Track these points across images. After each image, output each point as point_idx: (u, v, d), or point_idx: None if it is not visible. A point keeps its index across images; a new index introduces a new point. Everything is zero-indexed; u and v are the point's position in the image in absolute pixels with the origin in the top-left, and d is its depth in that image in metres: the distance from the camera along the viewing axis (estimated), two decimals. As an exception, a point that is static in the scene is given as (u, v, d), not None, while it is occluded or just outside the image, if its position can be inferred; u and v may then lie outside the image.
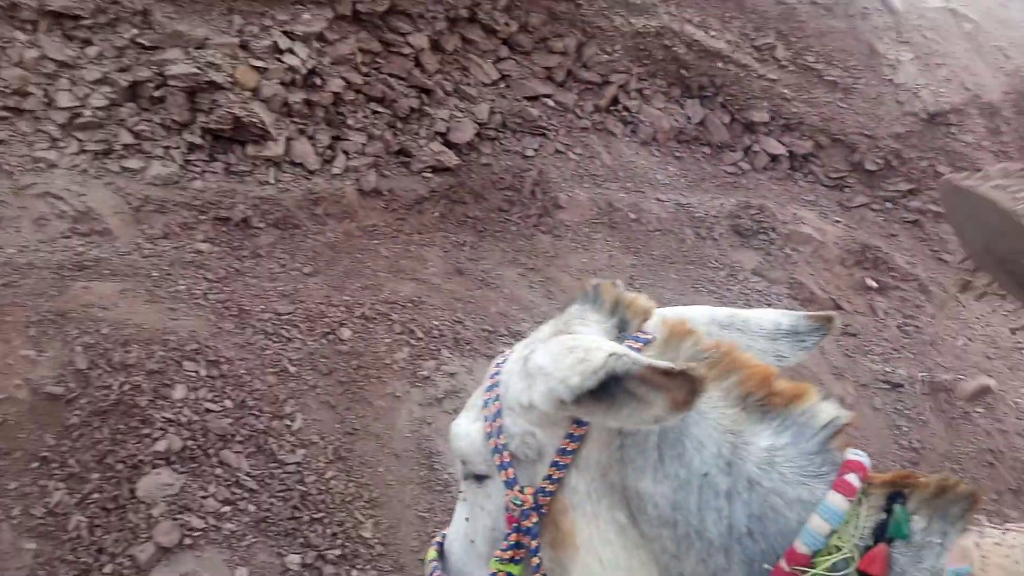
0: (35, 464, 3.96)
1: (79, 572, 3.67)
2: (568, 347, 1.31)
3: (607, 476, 1.37)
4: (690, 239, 6.90)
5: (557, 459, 1.39)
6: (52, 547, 3.75)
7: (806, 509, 1.26)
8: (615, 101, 7.74)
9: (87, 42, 5.92)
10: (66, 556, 3.73)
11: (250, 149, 6.10)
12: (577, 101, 7.62)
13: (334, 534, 4.02)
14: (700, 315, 1.59)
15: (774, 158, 8.16)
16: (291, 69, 6.21)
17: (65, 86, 5.75)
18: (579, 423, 1.38)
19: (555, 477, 1.40)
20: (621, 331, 1.48)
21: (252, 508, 4.01)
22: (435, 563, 1.70)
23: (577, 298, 1.56)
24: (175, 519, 3.84)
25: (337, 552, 3.94)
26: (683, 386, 1.16)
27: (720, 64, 8.03)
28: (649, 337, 1.44)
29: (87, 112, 5.72)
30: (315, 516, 4.07)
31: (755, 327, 1.57)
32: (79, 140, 5.70)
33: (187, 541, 3.80)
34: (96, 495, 3.88)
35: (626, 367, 1.19)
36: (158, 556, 3.73)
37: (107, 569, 3.68)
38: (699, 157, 7.85)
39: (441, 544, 1.74)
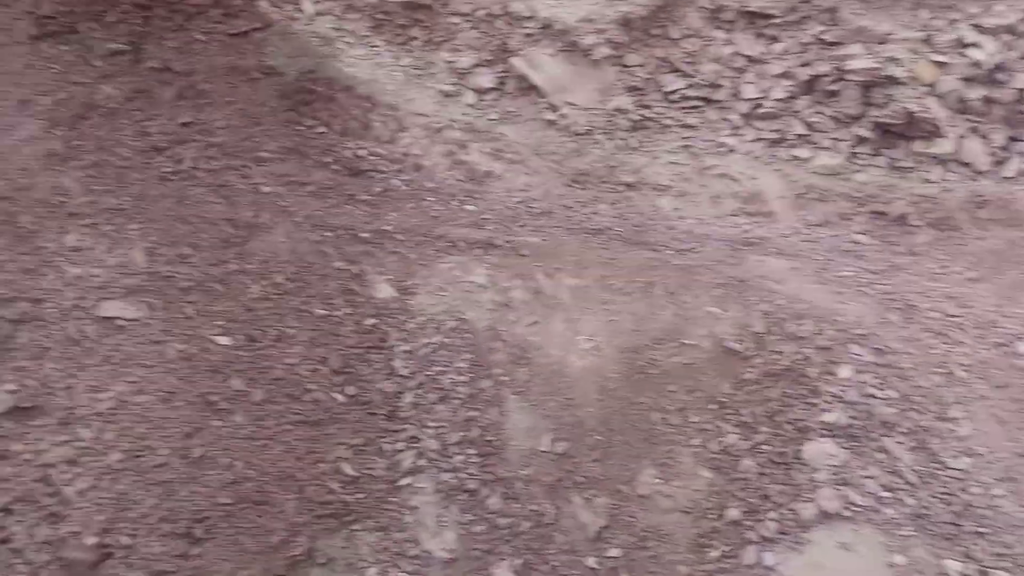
0: (712, 406, 4.56)
1: (747, 510, 4.13)
2: None
3: None
4: None
5: None
6: (724, 481, 4.29)
7: None
8: None
9: (774, 39, 6.44)
10: (735, 492, 4.23)
11: (916, 145, 5.96)
12: None
13: (1000, 555, 3.77)
14: None
15: None
16: (975, 64, 5.87)
17: (750, 79, 6.37)
18: None
19: None
20: None
21: (911, 501, 3.99)
22: None
23: None
24: (836, 489, 4.04)
25: (1004, 573, 3.69)
26: None
27: None
28: None
29: (767, 103, 6.25)
30: (978, 530, 3.87)
31: None
32: (756, 129, 6.27)
33: (846, 513, 3.98)
34: (765, 447, 4.30)
35: None
36: (819, 519, 3.99)
37: (772, 515, 4.07)
38: None
39: None
